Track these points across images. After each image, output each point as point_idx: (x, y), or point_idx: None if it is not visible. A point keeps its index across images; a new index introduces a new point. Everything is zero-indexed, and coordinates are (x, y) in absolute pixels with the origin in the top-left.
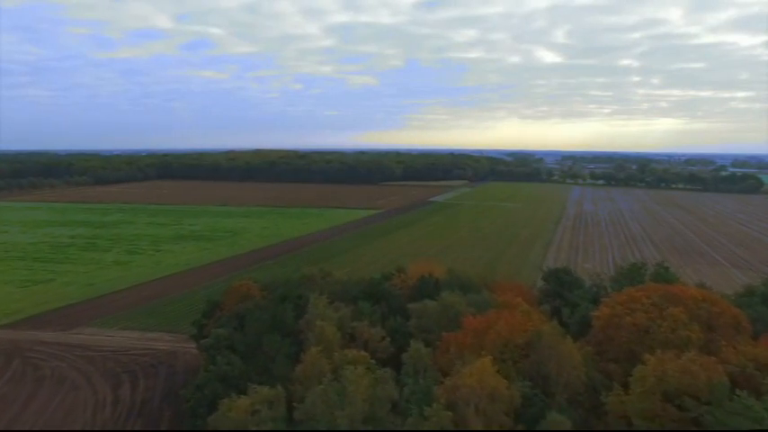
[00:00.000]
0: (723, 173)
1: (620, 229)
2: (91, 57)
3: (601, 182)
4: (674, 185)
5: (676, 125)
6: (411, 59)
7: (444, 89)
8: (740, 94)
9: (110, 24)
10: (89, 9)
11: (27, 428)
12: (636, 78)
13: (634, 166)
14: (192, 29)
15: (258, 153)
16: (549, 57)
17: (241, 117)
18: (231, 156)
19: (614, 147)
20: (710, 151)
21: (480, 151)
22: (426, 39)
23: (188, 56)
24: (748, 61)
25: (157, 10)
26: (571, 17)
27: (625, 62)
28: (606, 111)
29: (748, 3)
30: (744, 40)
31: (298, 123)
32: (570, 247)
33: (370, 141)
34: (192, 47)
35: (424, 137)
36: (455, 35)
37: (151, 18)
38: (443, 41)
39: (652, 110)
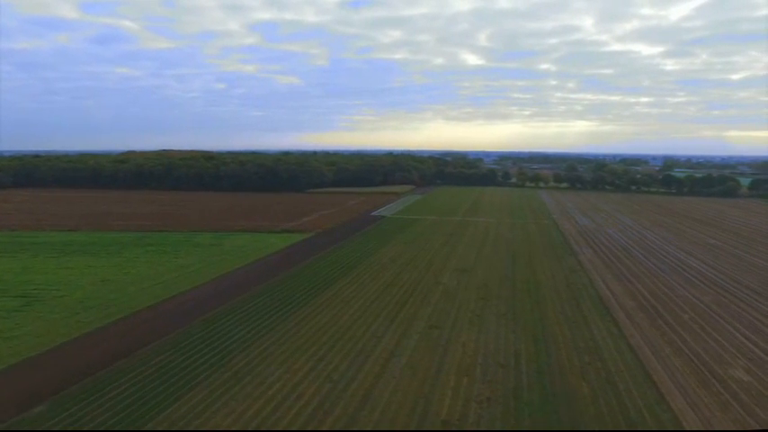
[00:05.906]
0: (698, 174)
1: (672, 263)
2: None
3: (564, 185)
4: (645, 188)
5: (589, 127)
6: (337, 60)
7: (371, 90)
8: (643, 99)
9: (2, 9)
10: None
11: None
12: (553, 82)
13: (581, 168)
14: (101, 20)
15: (160, 154)
16: (472, 59)
17: (162, 117)
18: (121, 158)
19: (533, 146)
20: (617, 151)
21: (409, 152)
22: (352, 39)
23: (100, 50)
24: (649, 69)
25: None
26: (493, 21)
27: (544, 66)
28: (527, 113)
29: (648, 15)
30: (645, 49)
31: (223, 124)
32: (641, 310)
33: (299, 142)
34: (103, 40)
35: (353, 138)
36: (380, 36)
37: (52, 6)
38: (369, 42)
39: (568, 112)
